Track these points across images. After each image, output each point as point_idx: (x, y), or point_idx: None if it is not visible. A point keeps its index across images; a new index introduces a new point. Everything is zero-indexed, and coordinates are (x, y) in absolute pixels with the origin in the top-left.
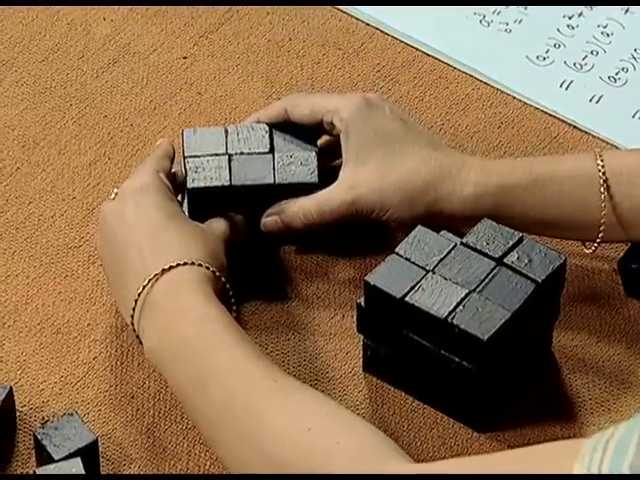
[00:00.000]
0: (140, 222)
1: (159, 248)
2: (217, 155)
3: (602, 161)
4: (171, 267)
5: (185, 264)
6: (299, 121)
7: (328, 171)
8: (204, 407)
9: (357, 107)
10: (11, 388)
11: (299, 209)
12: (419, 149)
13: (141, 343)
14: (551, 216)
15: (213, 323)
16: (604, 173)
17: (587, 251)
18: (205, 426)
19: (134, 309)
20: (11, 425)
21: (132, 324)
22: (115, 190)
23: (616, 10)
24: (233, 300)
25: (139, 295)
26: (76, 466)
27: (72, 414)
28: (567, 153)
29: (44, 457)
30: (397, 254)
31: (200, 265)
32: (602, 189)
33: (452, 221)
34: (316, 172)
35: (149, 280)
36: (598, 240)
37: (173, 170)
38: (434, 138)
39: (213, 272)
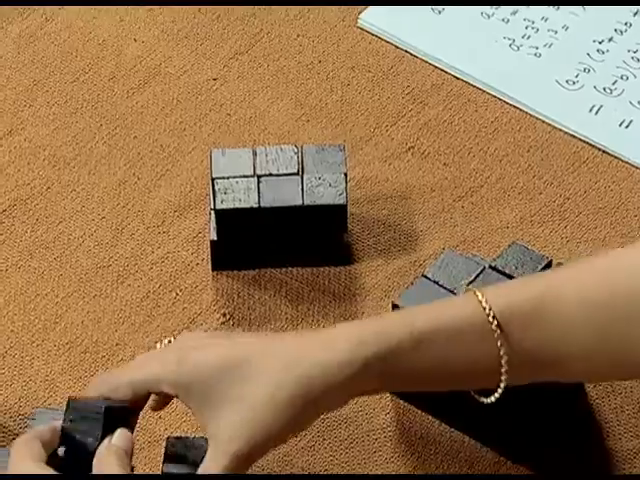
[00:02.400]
0: None
1: None
2: (246, 176)
3: (487, 302)
4: None
5: None
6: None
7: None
8: None
9: (176, 364)
10: None
11: None
12: (261, 367)
13: None
14: (445, 372)
15: None
16: (494, 317)
17: (488, 400)
18: None
19: None
20: None
21: None
22: None
23: None
24: None
25: None
26: None
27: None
28: (597, 178)
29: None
30: (425, 277)
31: None
32: (496, 336)
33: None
34: (344, 194)
35: None
36: (501, 386)
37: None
38: (262, 340)
39: None
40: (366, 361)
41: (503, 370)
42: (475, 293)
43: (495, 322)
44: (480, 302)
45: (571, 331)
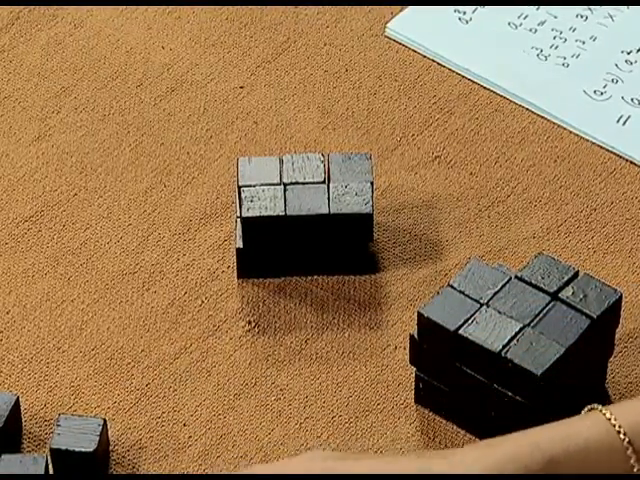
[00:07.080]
0: None
1: None
2: (272, 185)
3: (615, 420)
4: None
5: None
6: None
7: None
8: None
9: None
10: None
11: None
12: None
13: None
14: None
15: None
16: (625, 434)
17: None
18: None
19: None
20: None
21: None
22: None
23: None
24: None
25: None
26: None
27: None
28: (624, 189)
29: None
30: (451, 286)
31: None
32: (629, 452)
33: None
34: (370, 203)
35: None
36: None
37: None
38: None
39: None
40: None
41: None
42: (602, 411)
43: (626, 438)
44: (609, 419)
45: None
